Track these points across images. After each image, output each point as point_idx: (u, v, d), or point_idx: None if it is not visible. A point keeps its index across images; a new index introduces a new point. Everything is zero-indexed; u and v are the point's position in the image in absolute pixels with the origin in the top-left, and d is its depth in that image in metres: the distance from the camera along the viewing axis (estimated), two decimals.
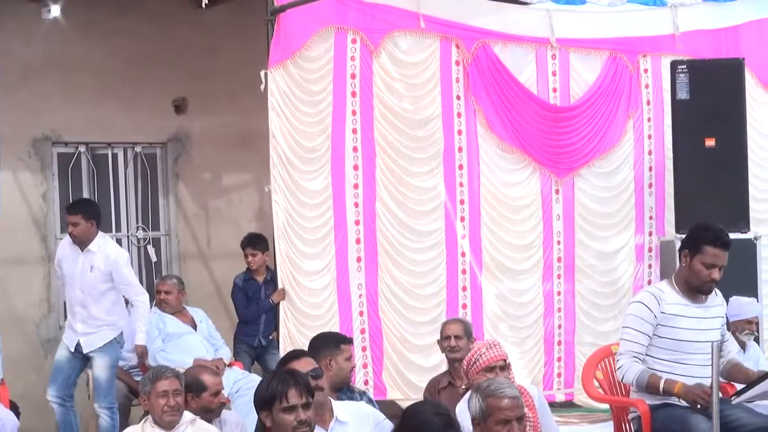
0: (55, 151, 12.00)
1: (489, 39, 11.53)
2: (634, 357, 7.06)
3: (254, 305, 11.11)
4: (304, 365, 6.07)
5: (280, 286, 10.40)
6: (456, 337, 8.71)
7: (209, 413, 7.10)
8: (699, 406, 6.69)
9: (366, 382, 10.61)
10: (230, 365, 10.02)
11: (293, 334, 10.27)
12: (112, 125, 11.94)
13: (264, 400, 5.15)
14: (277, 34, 10.30)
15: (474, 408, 5.65)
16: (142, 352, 9.45)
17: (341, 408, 6.26)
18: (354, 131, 10.77)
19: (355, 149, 10.79)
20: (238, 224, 12.28)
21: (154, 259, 12.50)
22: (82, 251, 9.40)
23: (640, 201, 12.38)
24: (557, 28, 11.91)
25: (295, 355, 6.42)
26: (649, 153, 12.37)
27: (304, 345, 7.46)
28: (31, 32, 11.56)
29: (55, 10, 11.52)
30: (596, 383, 7.87)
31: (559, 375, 11.85)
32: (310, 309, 10.46)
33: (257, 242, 11.23)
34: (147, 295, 9.62)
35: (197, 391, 7.11)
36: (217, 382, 7.34)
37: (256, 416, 5.37)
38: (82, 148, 12.09)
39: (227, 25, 11.66)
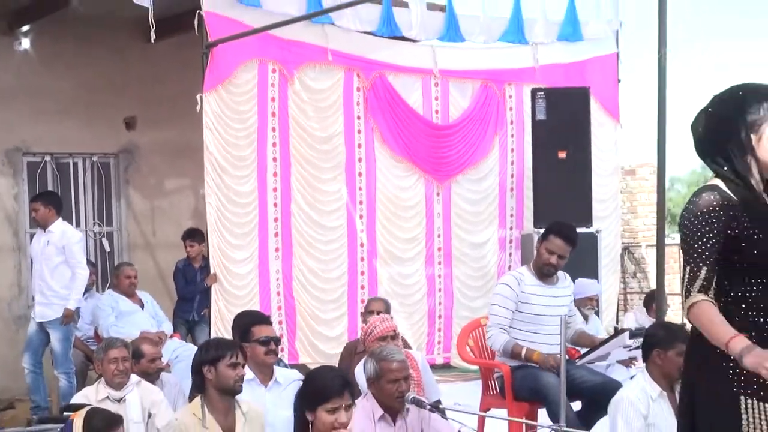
0: (25, 161, 11.97)
1: (384, 70, 11.72)
2: (501, 328, 7.13)
3: (191, 286, 11.22)
4: (268, 331, 6.39)
5: (212, 271, 10.43)
6: (378, 313, 8.25)
7: (149, 376, 7.09)
8: (552, 366, 6.80)
9: (282, 350, 10.38)
10: (171, 337, 9.97)
11: (223, 311, 10.36)
12: (73, 139, 11.96)
13: (211, 358, 5.41)
14: (211, 65, 10.29)
15: (369, 370, 5.77)
16: (68, 314, 9.33)
17: (279, 372, 6.37)
18: (274, 145, 10.87)
19: (274, 159, 10.89)
20: (178, 221, 12.29)
21: (107, 249, 12.47)
22: (44, 232, 9.53)
23: (503, 202, 12.66)
24: (439, 61, 12.16)
25: (263, 319, 6.65)
26: (512, 163, 12.68)
27: (230, 320, 7.42)
28: (6, 61, 11.54)
29: (26, 43, 11.62)
30: (468, 349, 7.96)
31: (439, 342, 12.09)
32: (236, 290, 10.56)
33: (195, 235, 11.34)
34: (87, 272, 9.59)
35: (137, 358, 7.15)
36: (154, 351, 7.40)
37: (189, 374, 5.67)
38: (47, 158, 12.08)
39: (170, 57, 11.54)
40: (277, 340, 6.49)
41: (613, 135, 13.48)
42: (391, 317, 7.50)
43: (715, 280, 3.63)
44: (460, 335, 8.29)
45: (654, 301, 10.38)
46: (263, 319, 6.70)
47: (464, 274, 12.41)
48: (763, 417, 3.62)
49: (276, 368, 6.44)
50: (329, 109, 11.36)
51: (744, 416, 3.62)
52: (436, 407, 5.85)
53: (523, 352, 7.04)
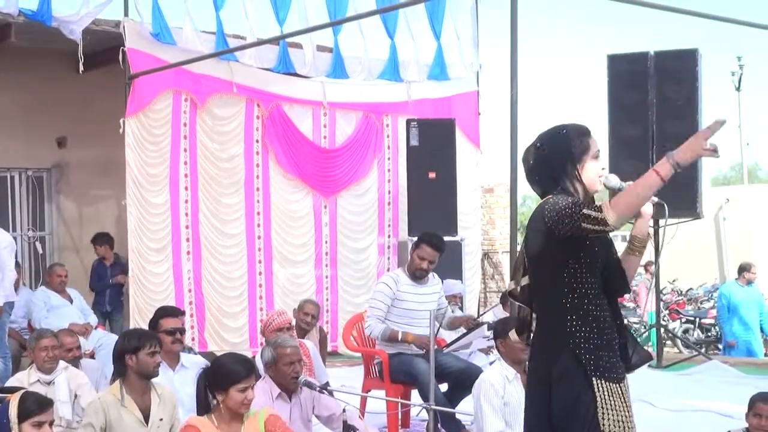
0: None
1: (280, 101, 11.73)
2: (378, 318, 7.17)
3: (102, 282, 11.34)
4: (174, 323, 6.44)
5: (131, 271, 10.40)
6: (312, 317, 8.41)
7: (71, 362, 6.94)
8: (423, 351, 6.82)
9: (193, 339, 10.63)
10: (96, 327, 9.86)
11: (141, 305, 10.33)
12: (11, 155, 11.81)
13: (133, 347, 5.38)
14: (133, 93, 10.32)
15: (267, 356, 5.83)
16: None
17: (185, 358, 6.46)
18: (185, 163, 10.85)
19: (186, 175, 10.87)
20: (103, 227, 12.01)
21: (40, 251, 12.29)
22: None
23: (381, 214, 12.74)
24: (328, 94, 12.22)
25: (170, 313, 6.65)
26: (389, 182, 12.79)
27: (150, 314, 7.20)
28: None
29: None
30: (352, 339, 8.00)
31: (327, 333, 11.71)
32: (153, 287, 10.55)
33: (99, 238, 11.40)
34: (15, 273, 8.93)
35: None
36: (71, 341, 7.20)
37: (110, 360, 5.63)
38: None
39: (97, 86, 11.34)
40: (182, 331, 6.57)
41: (475, 159, 13.60)
42: (285, 312, 7.55)
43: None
44: (345, 327, 8.29)
45: (508, 299, 10.51)
46: (170, 312, 6.70)
47: (348, 275, 12.47)
48: (613, 394, 3.66)
49: (183, 354, 6.50)
50: (231, 133, 11.36)
51: (598, 395, 3.64)
52: (325, 388, 5.95)
53: (399, 335, 7.05)
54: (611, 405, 3.65)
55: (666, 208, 3.85)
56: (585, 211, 3.56)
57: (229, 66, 11.21)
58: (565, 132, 3.85)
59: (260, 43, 10.90)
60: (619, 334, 3.80)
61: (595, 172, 3.83)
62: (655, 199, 3.86)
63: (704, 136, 3.55)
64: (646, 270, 13.60)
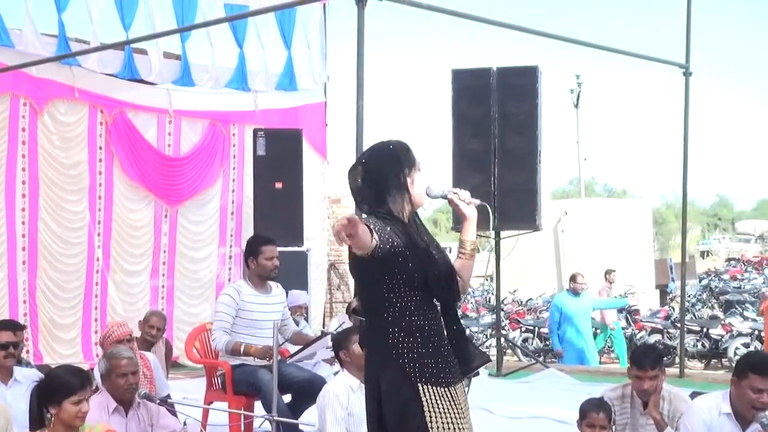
0: None
1: (125, 108, 11.59)
2: (224, 330, 6.93)
3: None
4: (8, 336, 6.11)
5: None
6: (158, 329, 8.32)
7: None
8: (268, 360, 6.65)
9: (27, 351, 10.05)
10: None
11: None
12: None
13: None
14: None
15: (102, 367, 5.71)
16: None
17: (18, 372, 6.19)
18: (23, 170, 10.61)
19: (23, 182, 10.63)
20: None
21: None
22: None
23: (224, 224, 12.69)
24: (174, 102, 12.14)
25: (3, 326, 6.30)
26: (233, 191, 12.74)
27: None
28: None
29: None
30: (195, 350, 7.69)
31: None
32: None
33: None
34: None
35: None
36: None
37: None
38: None
39: None
40: (15, 345, 6.24)
41: (321, 169, 13.68)
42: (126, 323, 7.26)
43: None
44: (188, 338, 7.94)
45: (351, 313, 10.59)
46: (3, 326, 6.37)
47: (185, 285, 12.36)
48: (441, 398, 3.74)
49: (16, 368, 6.24)
50: (75, 139, 11.16)
51: (424, 399, 3.71)
52: (166, 401, 5.89)
53: (242, 348, 6.86)
54: (440, 409, 3.74)
55: (489, 209, 4.10)
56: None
57: (71, 70, 11.00)
58: (392, 147, 3.90)
59: (104, 47, 10.73)
60: (456, 339, 3.90)
61: (422, 185, 3.92)
62: (477, 201, 4.01)
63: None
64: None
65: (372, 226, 3.69)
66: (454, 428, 3.76)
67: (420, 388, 3.73)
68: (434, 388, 3.75)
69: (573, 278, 13.44)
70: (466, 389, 3.97)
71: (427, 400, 3.73)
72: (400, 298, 3.78)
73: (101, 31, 11.06)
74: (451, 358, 3.87)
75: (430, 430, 3.71)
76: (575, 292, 13.30)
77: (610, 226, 23.22)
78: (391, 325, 3.80)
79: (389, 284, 3.79)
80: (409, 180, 3.85)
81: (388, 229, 3.77)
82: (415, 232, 3.89)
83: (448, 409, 3.76)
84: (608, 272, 15.73)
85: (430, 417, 3.72)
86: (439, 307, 3.92)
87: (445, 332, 3.89)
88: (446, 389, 3.78)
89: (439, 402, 3.74)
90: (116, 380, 5.61)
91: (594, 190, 64.06)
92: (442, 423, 3.73)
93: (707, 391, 5.52)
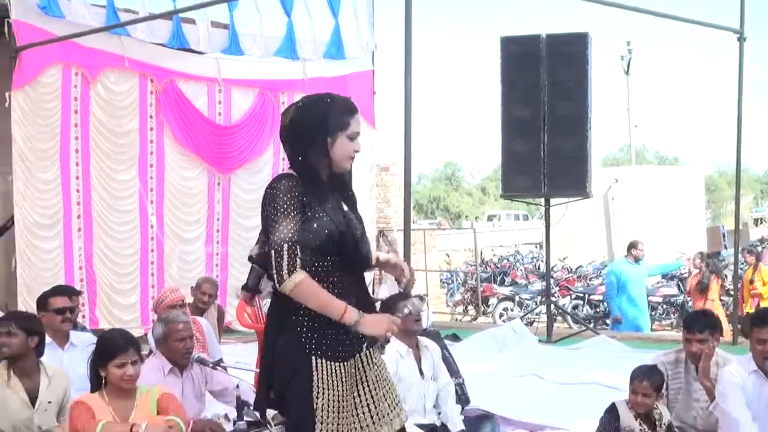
0: None
1: (175, 77, 11.63)
2: None
3: None
4: (64, 302, 6.32)
5: (18, 247, 10.19)
6: (209, 296, 8.44)
7: None
8: None
9: (83, 316, 10.41)
10: None
11: (29, 283, 10.17)
12: None
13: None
14: (19, 67, 10.13)
15: (158, 332, 5.80)
16: None
17: (74, 336, 6.37)
18: (76, 138, 10.67)
19: (77, 151, 10.70)
20: None
21: None
22: None
23: None
24: (223, 70, 12.14)
25: (61, 291, 6.55)
26: (283, 160, 12.26)
27: (39, 292, 6.97)
28: None
29: None
30: (246, 316, 7.90)
31: None
32: (42, 263, 10.39)
33: None
34: None
35: None
36: None
37: None
38: None
39: None
40: (72, 309, 6.46)
41: (370, 137, 13.55)
42: (178, 289, 7.48)
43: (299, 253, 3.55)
44: (240, 303, 8.17)
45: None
46: (59, 291, 6.62)
47: (238, 253, 12.33)
48: (332, 374, 3.60)
49: (72, 332, 6.41)
50: (126, 108, 11.20)
51: (315, 374, 3.57)
52: (218, 365, 5.95)
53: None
54: (328, 384, 3.60)
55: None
56: (286, 251, 3.50)
57: (121, 40, 11.03)
58: (329, 101, 3.73)
59: (153, 17, 10.75)
60: (360, 306, 3.65)
61: (347, 151, 3.71)
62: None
63: (391, 325, 3.63)
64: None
65: (282, 203, 3.54)
66: (339, 407, 3.62)
67: (313, 361, 3.59)
68: (328, 362, 3.60)
69: (633, 245, 13.29)
70: (375, 359, 3.80)
71: (318, 375, 3.59)
72: (306, 263, 3.56)
73: (149, 1, 11.09)
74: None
75: (315, 404, 3.58)
76: (635, 259, 13.20)
77: (662, 194, 23.00)
78: None
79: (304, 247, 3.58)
80: (330, 141, 3.67)
81: (295, 193, 3.59)
82: (329, 191, 3.71)
83: (337, 386, 3.62)
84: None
85: (318, 392, 3.58)
86: (349, 276, 3.72)
87: (354, 301, 3.67)
88: (341, 364, 3.64)
89: (329, 378, 3.60)
90: (174, 344, 5.73)
91: (645, 158, 63.47)
92: (328, 399, 3.60)
93: None
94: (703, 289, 13.02)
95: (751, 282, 13.09)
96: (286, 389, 3.62)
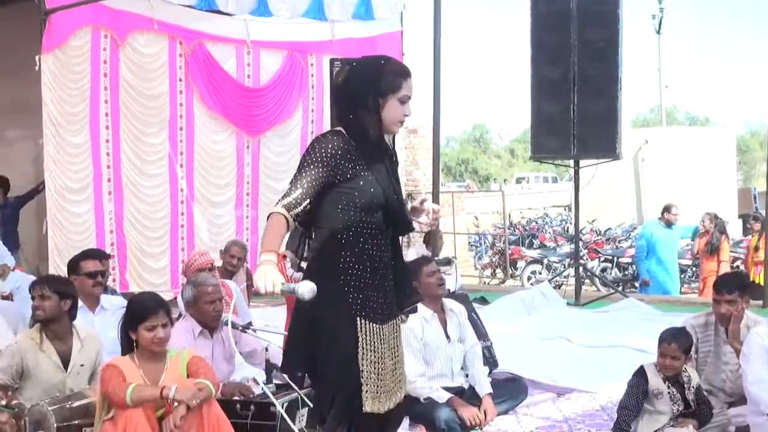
0: None
1: (203, 39, 11.58)
2: None
3: None
4: (95, 265, 6.37)
5: (48, 210, 10.18)
6: (238, 259, 8.53)
7: None
8: None
9: (114, 280, 10.41)
10: (14, 269, 9.30)
11: (60, 246, 10.16)
12: None
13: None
14: (48, 30, 10.04)
15: (187, 295, 5.81)
16: None
17: (105, 299, 6.41)
18: (106, 101, 10.64)
19: (106, 114, 10.67)
20: (20, 167, 11.75)
21: None
22: None
23: None
24: (251, 32, 12.11)
25: (92, 255, 6.61)
26: (312, 122, 12.75)
27: (69, 255, 7.08)
28: None
29: None
30: None
31: None
32: (73, 227, 10.38)
33: None
34: None
35: None
36: None
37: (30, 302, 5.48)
38: None
39: (10, 23, 10.90)
40: (103, 273, 6.49)
41: None
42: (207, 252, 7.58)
43: (306, 206, 3.59)
44: None
45: (431, 237, 10.84)
46: (90, 255, 6.64)
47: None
48: (375, 335, 3.67)
49: (103, 296, 6.43)
50: (156, 71, 11.18)
51: (360, 334, 3.64)
52: (248, 328, 5.97)
53: None
54: (371, 346, 3.67)
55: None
56: (290, 186, 3.59)
57: (149, 2, 10.98)
58: (383, 63, 3.76)
59: None
60: (396, 273, 3.80)
61: (396, 114, 3.73)
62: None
63: (267, 282, 3.47)
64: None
65: (310, 169, 3.58)
66: (379, 369, 3.68)
67: (358, 322, 3.65)
68: (371, 324, 3.67)
69: (667, 209, 13.19)
70: (402, 323, 3.90)
71: (363, 336, 3.65)
72: (354, 222, 3.65)
73: None
74: (392, 293, 3.78)
75: (360, 365, 3.64)
76: (668, 223, 13.11)
77: (692, 155, 22.82)
78: (343, 248, 3.68)
79: (345, 204, 3.67)
80: (381, 102, 3.68)
81: (339, 153, 3.64)
82: (376, 153, 3.76)
83: (378, 348, 3.68)
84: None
85: (362, 354, 3.65)
86: (386, 238, 3.78)
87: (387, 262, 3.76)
88: (381, 326, 3.71)
89: (372, 339, 3.67)
90: (204, 307, 5.74)
91: (675, 119, 62.86)
92: (370, 362, 3.66)
93: None
94: (712, 250, 12.88)
95: (756, 249, 12.78)
96: (329, 349, 3.66)
